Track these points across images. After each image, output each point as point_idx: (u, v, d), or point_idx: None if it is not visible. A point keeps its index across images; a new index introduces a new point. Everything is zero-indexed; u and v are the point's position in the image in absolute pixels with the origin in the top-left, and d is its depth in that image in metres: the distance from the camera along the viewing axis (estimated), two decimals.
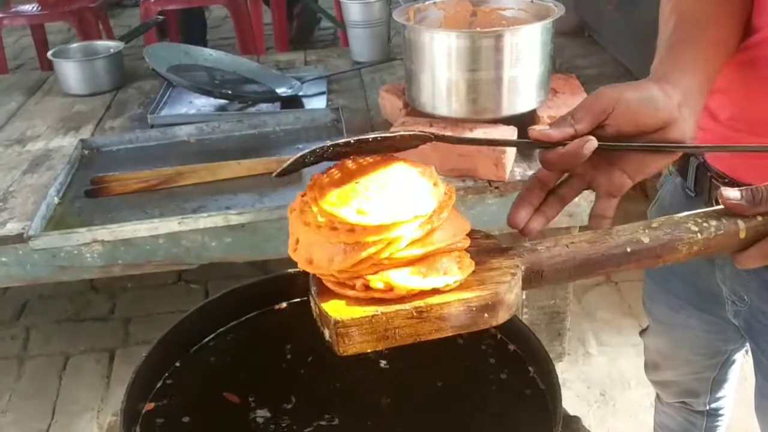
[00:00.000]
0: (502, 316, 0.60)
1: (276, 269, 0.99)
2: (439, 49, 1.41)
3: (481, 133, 1.43)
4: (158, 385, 0.84)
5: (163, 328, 0.86)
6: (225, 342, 0.92)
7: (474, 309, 0.58)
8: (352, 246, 0.56)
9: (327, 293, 0.59)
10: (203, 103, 1.94)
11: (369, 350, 0.56)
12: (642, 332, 1.28)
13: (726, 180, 0.90)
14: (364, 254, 0.56)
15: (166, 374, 0.86)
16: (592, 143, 0.63)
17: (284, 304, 0.99)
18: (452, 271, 0.59)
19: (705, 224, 0.62)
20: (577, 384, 1.89)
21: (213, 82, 2.02)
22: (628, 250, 0.62)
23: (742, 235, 0.62)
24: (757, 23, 0.80)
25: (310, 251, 0.59)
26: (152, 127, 1.81)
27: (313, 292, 0.60)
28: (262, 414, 0.81)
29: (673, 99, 0.67)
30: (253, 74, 2.08)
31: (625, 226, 0.65)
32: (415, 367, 0.88)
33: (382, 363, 0.89)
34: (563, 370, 1.89)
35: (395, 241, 0.56)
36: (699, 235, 0.62)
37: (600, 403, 1.84)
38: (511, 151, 1.42)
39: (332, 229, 0.57)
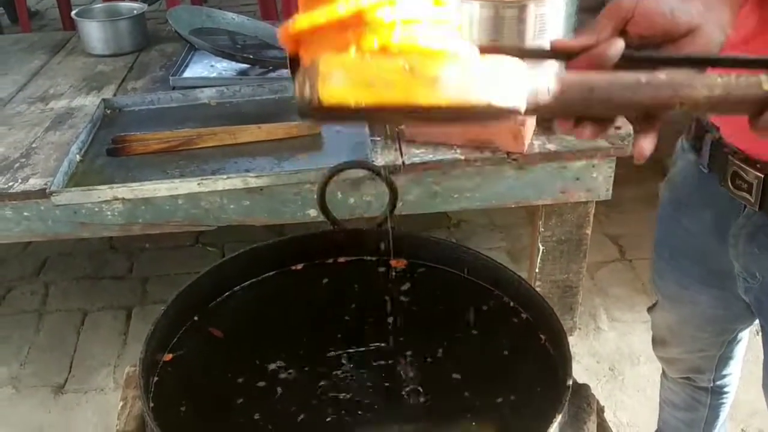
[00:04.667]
0: (505, 97, 0.53)
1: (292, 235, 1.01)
2: (461, 19, 1.40)
3: None
4: (176, 338, 0.86)
5: (180, 288, 0.88)
6: (242, 299, 0.94)
7: (472, 78, 0.52)
8: None
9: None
10: (224, 67, 1.94)
11: (352, 100, 0.50)
12: (650, 309, 1.29)
13: (742, 156, 0.88)
14: None
15: (185, 327, 0.88)
16: (619, 44, 0.62)
17: (301, 266, 1.01)
18: (454, 41, 0.55)
19: (726, 75, 0.59)
20: (587, 358, 1.91)
21: (235, 47, 2.03)
22: (643, 80, 0.57)
23: (766, 86, 0.59)
24: None
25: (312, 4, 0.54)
26: (174, 89, 1.82)
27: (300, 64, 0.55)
28: (275, 366, 0.83)
29: (694, 5, 0.66)
30: (275, 39, 2.08)
31: None
32: (425, 333, 0.90)
33: (394, 325, 0.91)
34: (573, 344, 1.89)
35: None
36: (719, 79, 0.59)
37: (608, 378, 1.86)
38: (530, 123, 1.42)
39: None
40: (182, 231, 1.52)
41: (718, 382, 1.29)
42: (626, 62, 0.62)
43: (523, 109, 0.54)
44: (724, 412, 1.36)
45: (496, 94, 0.52)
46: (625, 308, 2.07)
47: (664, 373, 1.38)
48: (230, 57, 1.89)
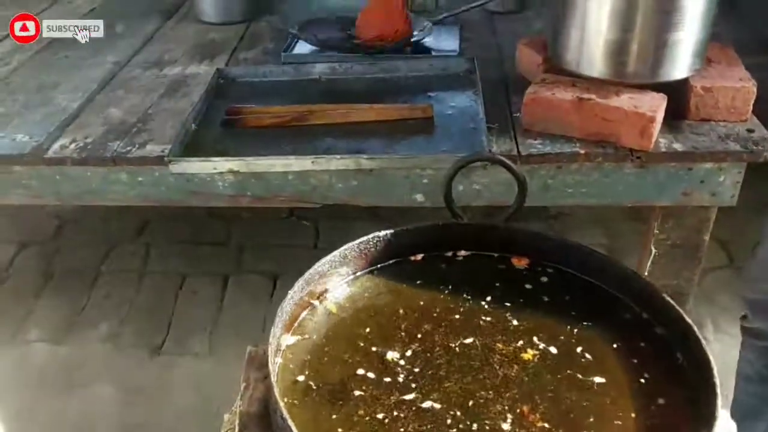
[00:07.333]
0: None
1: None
2: (595, 4, 1.33)
3: (627, 98, 1.36)
4: (298, 322, 0.86)
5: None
6: (361, 286, 0.93)
7: None
8: None
9: None
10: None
11: None
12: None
13: None
14: None
15: (305, 312, 0.87)
16: None
17: (420, 256, 0.98)
18: None
19: None
20: None
21: (344, 34, 1.97)
22: None
23: None
24: None
25: None
26: (284, 64, 1.82)
27: None
28: (394, 356, 0.82)
29: None
30: None
31: None
32: (545, 334, 0.86)
33: (514, 321, 0.87)
34: None
35: None
36: None
37: None
38: (659, 119, 1.34)
39: None
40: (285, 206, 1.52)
41: None
42: None
43: None
44: None
45: None
46: (732, 320, 1.95)
47: (742, 344, 1.39)
48: (336, 49, 1.85)
